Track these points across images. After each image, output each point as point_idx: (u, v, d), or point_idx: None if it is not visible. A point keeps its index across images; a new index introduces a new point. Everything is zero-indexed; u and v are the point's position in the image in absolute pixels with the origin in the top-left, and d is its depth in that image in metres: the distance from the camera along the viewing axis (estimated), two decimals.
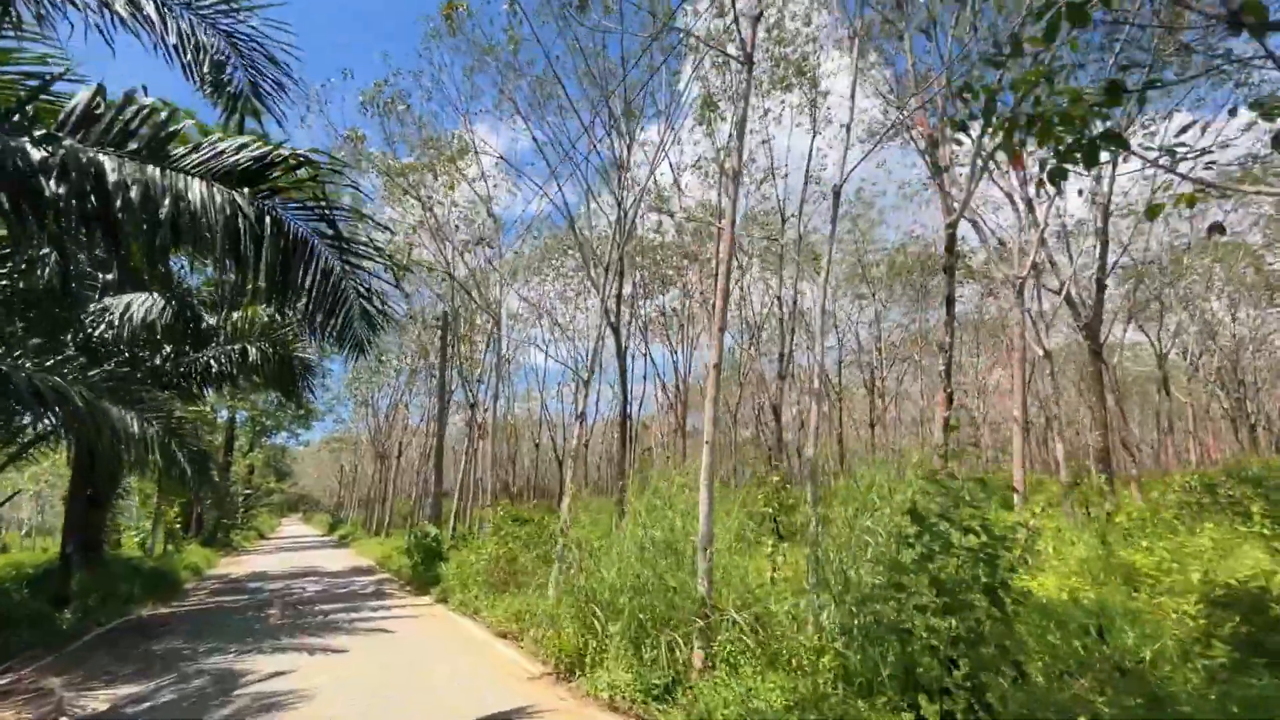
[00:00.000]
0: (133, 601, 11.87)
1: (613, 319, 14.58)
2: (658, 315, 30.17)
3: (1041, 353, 15.06)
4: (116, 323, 7.59)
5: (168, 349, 9.78)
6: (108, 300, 7.85)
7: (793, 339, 19.27)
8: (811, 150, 19.94)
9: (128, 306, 7.68)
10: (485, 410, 19.97)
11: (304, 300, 4.43)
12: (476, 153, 12.38)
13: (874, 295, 25.37)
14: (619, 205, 10.23)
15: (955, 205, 9.45)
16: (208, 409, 28.33)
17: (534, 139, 13.92)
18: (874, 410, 35.48)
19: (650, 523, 6.19)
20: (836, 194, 7.46)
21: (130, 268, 7.36)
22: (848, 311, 30.68)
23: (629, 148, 10.36)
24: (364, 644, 8.04)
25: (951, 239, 9.17)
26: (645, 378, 37.45)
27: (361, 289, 4.51)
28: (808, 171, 19.35)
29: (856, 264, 28.28)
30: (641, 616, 5.53)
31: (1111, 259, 17.58)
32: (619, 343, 13.88)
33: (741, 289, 26.77)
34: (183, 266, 9.91)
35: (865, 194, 26.29)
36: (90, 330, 7.76)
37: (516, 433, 38.03)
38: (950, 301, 9.23)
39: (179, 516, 28.16)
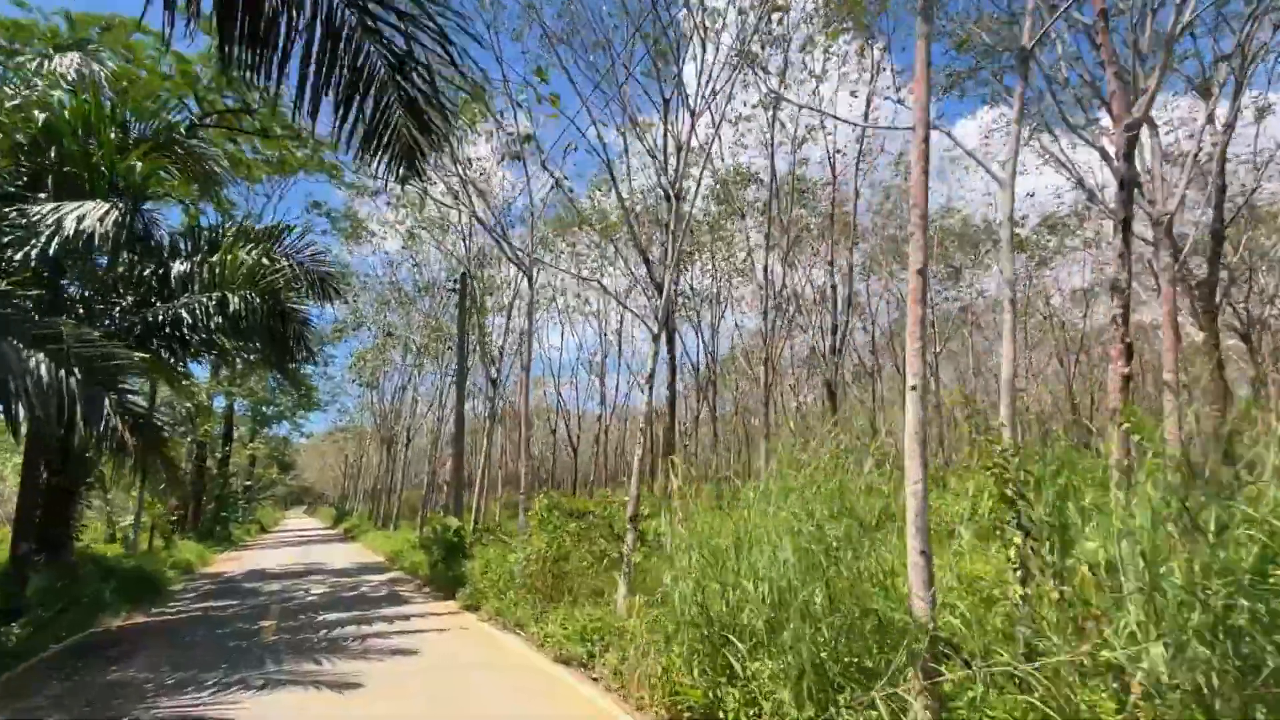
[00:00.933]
0: (103, 609, 9.98)
1: (657, 275, 12.60)
2: (677, 296, 28.01)
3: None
4: (43, 240, 5.58)
5: (129, 299, 7.80)
6: (29, 208, 5.82)
7: (849, 310, 17.26)
8: (868, 109, 17.70)
9: (57, 212, 5.65)
10: (514, 393, 17.98)
11: (300, 69, 2.45)
12: (504, 77, 10.33)
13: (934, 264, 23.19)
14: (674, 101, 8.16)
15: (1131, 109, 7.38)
16: (202, 394, 26.46)
17: (563, 68, 11.82)
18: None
19: (807, 509, 4.20)
20: (1025, 60, 5.44)
21: (68, 172, 5.35)
22: (874, 289, 28.59)
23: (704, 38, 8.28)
24: (383, 675, 6.11)
25: (1131, 143, 7.12)
26: (680, 362, 35.63)
27: (392, 55, 2.53)
28: (867, 114, 17.11)
29: (892, 238, 26.19)
30: (822, 655, 3.55)
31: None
32: (666, 301, 11.92)
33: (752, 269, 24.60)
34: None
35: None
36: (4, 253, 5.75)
37: (528, 420, 36.03)
38: (1127, 225, 7.19)
39: (177, 509, 26.42)
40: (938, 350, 22.84)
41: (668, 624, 4.75)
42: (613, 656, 5.70)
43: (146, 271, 7.97)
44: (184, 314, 7.57)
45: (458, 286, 13.75)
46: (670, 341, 11.73)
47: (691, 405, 35.81)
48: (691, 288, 27.37)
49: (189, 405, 27.14)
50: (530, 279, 10.61)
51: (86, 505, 12.89)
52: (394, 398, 27.87)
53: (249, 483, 39.70)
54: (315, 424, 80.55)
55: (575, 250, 27.64)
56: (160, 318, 7.53)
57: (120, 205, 6.34)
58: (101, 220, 5.88)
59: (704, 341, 26.00)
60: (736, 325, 30.63)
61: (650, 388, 7.28)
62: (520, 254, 11.66)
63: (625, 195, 11.36)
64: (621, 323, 32.34)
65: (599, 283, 10.30)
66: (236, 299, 7.55)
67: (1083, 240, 26.39)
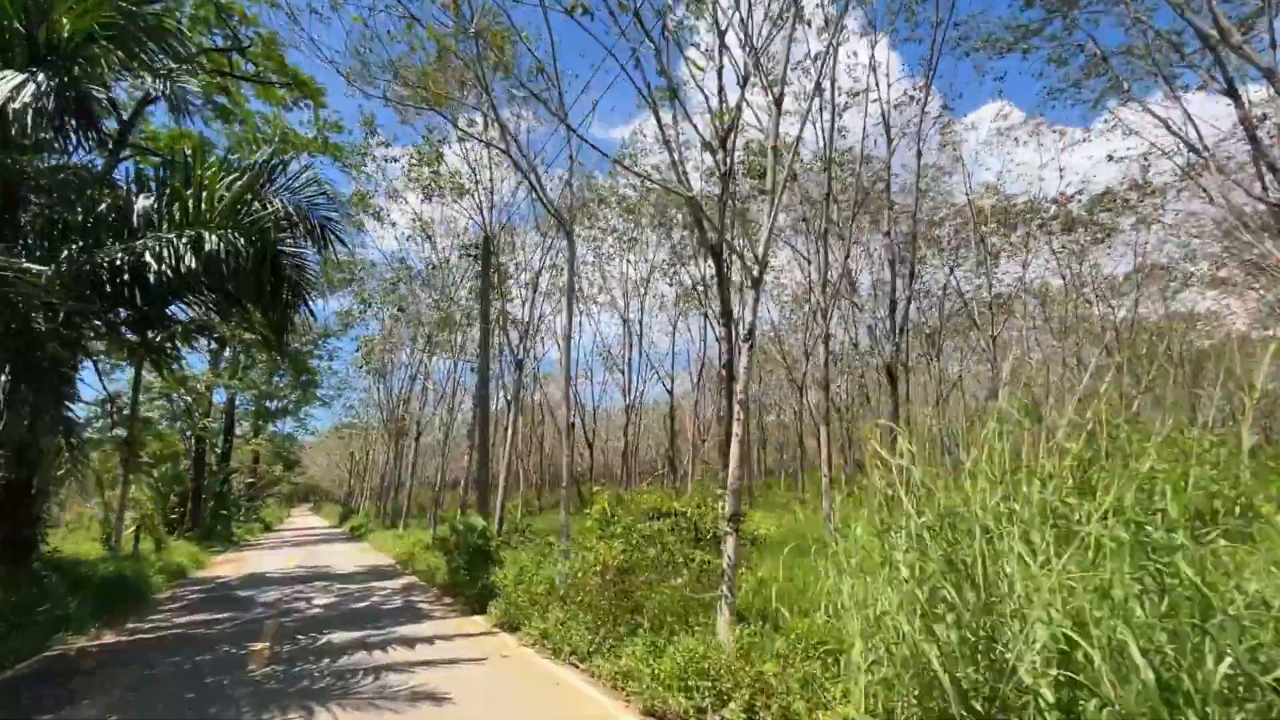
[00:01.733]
0: (66, 627, 8.36)
1: (710, 238, 10.90)
2: (694, 285, 26.13)
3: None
4: None
5: (76, 245, 6.11)
6: None
7: (911, 284, 15.50)
8: (934, 66, 15.83)
9: None
10: (528, 383, 16.27)
11: None
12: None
13: (980, 246, 21.34)
14: None
15: None
16: (201, 384, 24.94)
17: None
18: (940, 387, 31.74)
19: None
20: None
21: None
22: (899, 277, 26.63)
23: None
24: None
25: None
26: (697, 352, 34.01)
27: None
28: (929, 80, 15.29)
29: (926, 222, 24.39)
30: None
31: None
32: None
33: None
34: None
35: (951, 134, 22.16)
36: None
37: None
38: None
39: (176, 507, 24.88)
40: (994, 334, 21.00)
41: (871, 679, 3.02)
42: (737, 713, 4.01)
43: (102, 206, 6.34)
44: (148, 257, 5.92)
45: (479, 251, 12.05)
46: (723, 285, 10.05)
47: (693, 403, 33.97)
48: (703, 279, 25.51)
49: (188, 398, 25.69)
50: (569, 234, 8.90)
51: (59, 504, 11.33)
52: (403, 388, 26.29)
53: (252, 480, 38.24)
54: (321, 420, 79.38)
55: (594, 237, 25.98)
56: (117, 260, 5.86)
57: (40, 78, 4.68)
58: (16, 93, 4.23)
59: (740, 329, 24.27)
60: (770, 303, 28.77)
61: (750, 345, 5.56)
62: (558, 207, 9.97)
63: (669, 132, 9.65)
64: (642, 311, 30.68)
65: (668, 187, 8.50)
66: (214, 238, 5.87)
67: (1138, 216, 24.61)
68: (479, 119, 14.01)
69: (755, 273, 5.70)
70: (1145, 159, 18.04)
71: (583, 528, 9.01)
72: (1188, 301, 30.48)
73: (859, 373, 32.49)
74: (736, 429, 5.49)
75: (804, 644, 4.54)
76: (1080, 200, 23.70)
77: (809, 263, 17.74)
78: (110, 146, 11.18)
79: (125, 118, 11.46)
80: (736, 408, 5.53)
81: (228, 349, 26.44)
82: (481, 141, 11.04)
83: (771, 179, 5.89)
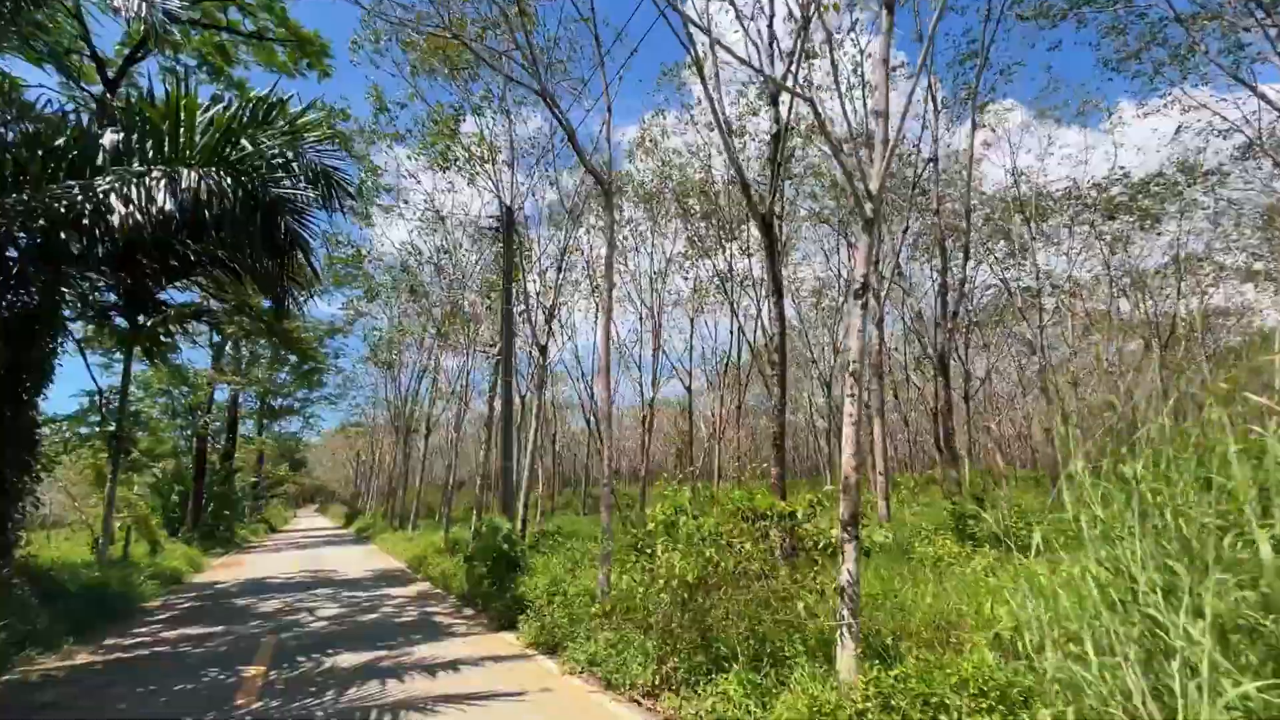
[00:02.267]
0: (35, 643, 7.27)
1: (760, 206, 9.74)
2: (713, 278, 24.87)
3: None
4: None
5: (26, 193, 4.97)
6: None
7: (965, 263, 14.19)
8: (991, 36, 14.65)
9: None
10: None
11: None
12: None
13: (1028, 227, 20.01)
14: None
15: None
16: (203, 379, 23.94)
17: None
18: (967, 385, 30.47)
19: None
20: None
21: None
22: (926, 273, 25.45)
23: None
24: None
25: None
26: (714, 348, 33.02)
27: None
28: (986, 48, 13.97)
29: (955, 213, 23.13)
30: None
31: None
32: (770, 229, 9.08)
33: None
34: None
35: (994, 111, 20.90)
36: None
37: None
38: None
39: (178, 507, 23.84)
40: (1042, 323, 19.73)
41: None
42: None
43: (59, 141, 5.24)
44: (113, 199, 4.79)
45: (501, 222, 10.91)
46: (773, 262, 8.96)
47: (711, 401, 32.76)
48: (728, 269, 24.24)
49: (185, 389, 24.65)
50: (607, 192, 7.78)
51: (35, 504, 10.20)
52: (413, 382, 25.23)
53: (256, 480, 37.25)
54: (327, 420, 78.74)
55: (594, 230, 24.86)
56: (77, 204, 4.73)
57: None
58: None
59: (763, 323, 22.97)
60: (788, 301, 27.57)
61: (864, 304, 4.38)
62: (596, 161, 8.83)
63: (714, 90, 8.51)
64: (659, 306, 29.49)
65: (756, 68, 7.25)
66: (193, 175, 4.75)
67: (1179, 206, 23.29)
68: (497, 88, 12.96)
69: (868, 212, 4.52)
70: (1211, 130, 16.69)
71: (619, 531, 7.86)
72: (1222, 296, 29.27)
73: (885, 369, 31.34)
74: (850, 408, 4.31)
75: (972, 688, 3.37)
76: (1127, 181, 22.40)
77: (852, 247, 16.51)
78: (94, 109, 10.13)
79: (111, 75, 10.41)
80: (850, 381, 4.35)
81: (229, 344, 25.49)
82: (512, 79, 9.84)
83: (885, 97, 4.72)
